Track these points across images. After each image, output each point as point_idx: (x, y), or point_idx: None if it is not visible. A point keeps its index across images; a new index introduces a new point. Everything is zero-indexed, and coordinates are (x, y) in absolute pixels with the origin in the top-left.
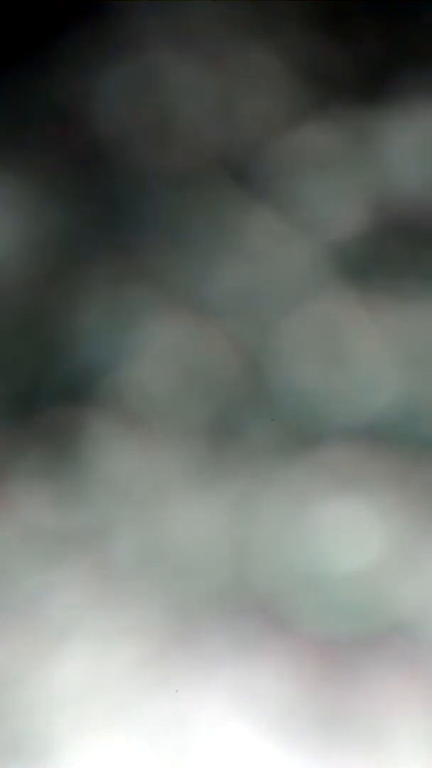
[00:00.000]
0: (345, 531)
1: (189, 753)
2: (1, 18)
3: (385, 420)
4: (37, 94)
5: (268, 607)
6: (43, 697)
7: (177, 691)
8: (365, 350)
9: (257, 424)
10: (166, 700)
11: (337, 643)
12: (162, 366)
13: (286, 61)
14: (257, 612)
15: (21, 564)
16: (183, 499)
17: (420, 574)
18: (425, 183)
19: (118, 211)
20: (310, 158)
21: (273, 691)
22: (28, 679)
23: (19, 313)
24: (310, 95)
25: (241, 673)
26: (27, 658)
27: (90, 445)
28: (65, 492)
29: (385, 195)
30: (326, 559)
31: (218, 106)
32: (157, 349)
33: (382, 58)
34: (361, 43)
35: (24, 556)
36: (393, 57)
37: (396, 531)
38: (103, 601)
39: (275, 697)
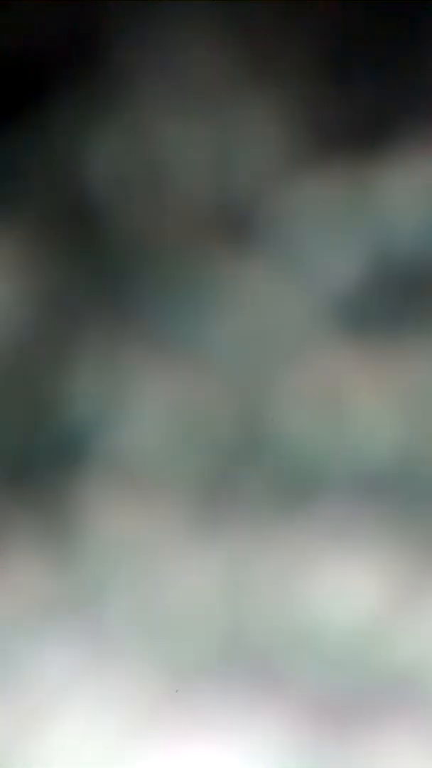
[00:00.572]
0: (341, 587)
1: None
2: None
3: (382, 472)
4: (31, 151)
5: (262, 664)
6: (36, 762)
7: (177, 691)
8: (363, 402)
9: (253, 478)
10: (160, 762)
11: (333, 700)
12: (156, 423)
13: (283, 114)
14: (252, 670)
15: (12, 629)
16: (177, 557)
17: (416, 629)
18: (423, 236)
19: (111, 267)
20: (307, 211)
21: (268, 750)
22: (20, 744)
23: (11, 372)
24: (308, 147)
25: (236, 733)
26: (20, 724)
27: (83, 506)
28: (58, 555)
29: (383, 247)
30: (322, 615)
31: (214, 159)
32: (151, 405)
33: (381, 112)
34: (359, 95)
35: (16, 621)
36: (392, 110)
37: (392, 586)
38: (96, 665)
39: (270, 756)
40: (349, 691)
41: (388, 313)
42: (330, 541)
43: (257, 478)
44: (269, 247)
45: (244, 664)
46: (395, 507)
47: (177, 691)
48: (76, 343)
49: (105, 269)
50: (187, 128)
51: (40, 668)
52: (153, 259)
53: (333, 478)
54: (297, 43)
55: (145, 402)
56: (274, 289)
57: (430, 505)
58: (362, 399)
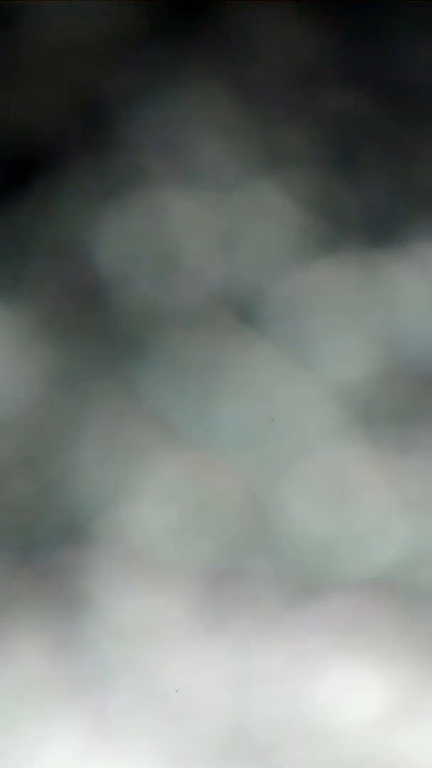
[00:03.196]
0: (347, 685)
1: None
2: (7, 150)
3: (390, 569)
4: (41, 228)
5: (266, 758)
6: None
7: (177, 690)
8: (371, 496)
9: (259, 567)
10: None
11: None
12: (163, 505)
13: (292, 199)
14: (255, 763)
15: (16, 712)
16: (182, 643)
17: (422, 730)
18: None
19: (119, 347)
20: (316, 298)
21: None
22: None
23: (18, 449)
24: (318, 234)
25: None
26: None
27: (89, 586)
28: (62, 636)
29: (394, 338)
30: (327, 712)
31: (223, 242)
32: (157, 487)
33: (391, 200)
34: (369, 183)
35: (19, 704)
36: (402, 199)
37: (399, 685)
38: (100, 746)
39: None
40: None
41: (398, 405)
42: (337, 638)
43: (264, 568)
44: (278, 332)
45: (246, 758)
46: (403, 606)
47: (177, 691)
48: (84, 422)
49: (113, 350)
50: (197, 210)
51: (44, 748)
52: (161, 340)
53: (341, 573)
54: (310, 130)
55: (151, 484)
56: (282, 375)
57: None
58: (371, 493)
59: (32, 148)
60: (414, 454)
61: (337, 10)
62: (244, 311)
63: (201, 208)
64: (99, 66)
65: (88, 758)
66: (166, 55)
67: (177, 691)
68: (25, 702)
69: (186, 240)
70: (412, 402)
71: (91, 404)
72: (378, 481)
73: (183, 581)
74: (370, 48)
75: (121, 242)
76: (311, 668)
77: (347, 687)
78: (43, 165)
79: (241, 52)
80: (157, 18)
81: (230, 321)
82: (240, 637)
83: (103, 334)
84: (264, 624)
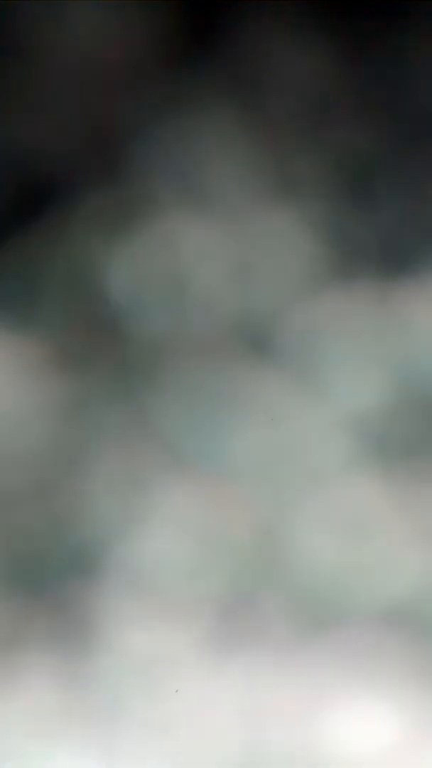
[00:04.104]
0: (357, 717)
1: None
2: (18, 178)
3: (402, 601)
4: (52, 257)
5: None
6: None
7: (177, 690)
8: (383, 527)
9: (270, 598)
10: None
11: None
12: (173, 535)
13: (305, 228)
14: None
15: (25, 743)
16: (193, 674)
17: None
18: None
19: (131, 376)
20: (329, 327)
21: None
22: None
23: (29, 480)
24: (330, 263)
25: None
26: None
27: (98, 617)
28: (72, 666)
29: (407, 369)
30: (337, 745)
31: (235, 271)
32: (168, 517)
33: (405, 229)
34: (383, 213)
35: (29, 735)
36: (415, 229)
37: (410, 718)
38: None
39: None
40: None
41: (411, 436)
42: (348, 670)
43: (275, 599)
44: (291, 361)
45: None
46: (415, 638)
47: (177, 690)
48: (95, 453)
49: (125, 379)
50: (209, 239)
51: None
52: (173, 369)
53: (352, 605)
54: (323, 159)
55: (162, 514)
56: (294, 406)
57: None
58: (383, 524)
59: (44, 177)
60: (427, 486)
61: (352, 40)
62: (256, 340)
63: (213, 237)
64: (111, 94)
65: None
66: (180, 83)
67: (177, 691)
68: (34, 733)
69: (198, 269)
70: (425, 433)
71: (103, 434)
72: (391, 513)
73: (193, 612)
74: (384, 78)
75: (133, 271)
76: (322, 701)
77: (358, 720)
78: (55, 194)
79: (255, 81)
80: (170, 46)
81: (243, 350)
82: (250, 668)
83: (114, 364)
84: (274, 656)
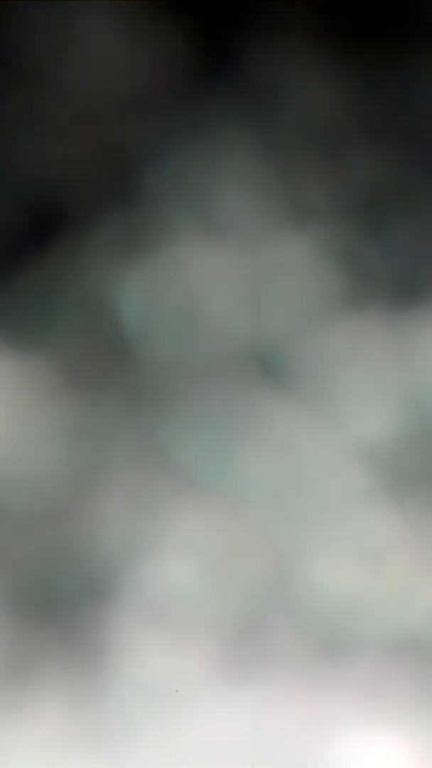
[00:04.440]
0: (367, 747)
1: None
2: (32, 204)
3: (414, 631)
4: (65, 282)
5: None
6: None
7: (177, 690)
8: (395, 556)
9: (281, 624)
10: None
11: None
12: (185, 560)
13: (318, 254)
14: None
15: (37, 763)
16: (204, 699)
17: None
18: None
19: (143, 401)
20: (341, 354)
21: None
22: None
23: (41, 503)
24: (343, 290)
25: None
26: None
27: (110, 641)
28: (85, 691)
29: (419, 397)
30: None
31: (248, 297)
32: (180, 542)
33: (417, 256)
34: (395, 239)
35: (42, 759)
36: (428, 255)
37: (420, 751)
38: None
39: None
40: None
41: (423, 465)
42: (360, 699)
43: (286, 626)
44: (303, 388)
45: None
46: (427, 669)
47: (176, 690)
48: (107, 477)
49: (137, 404)
50: (221, 264)
51: None
52: (185, 394)
53: (364, 634)
54: (336, 185)
55: (174, 539)
56: (306, 432)
57: None
58: (395, 553)
59: (57, 202)
60: None
61: (366, 68)
62: (268, 366)
63: (226, 262)
64: (125, 120)
65: None
66: (192, 108)
67: (177, 691)
68: (46, 757)
69: (210, 294)
70: None
71: (114, 459)
72: (402, 541)
73: (205, 637)
74: (398, 106)
75: (146, 296)
76: (332, 728)
77: (368, 750)
78: (69, 218)
79: (268, 106)
80: (183, 72)
81: (255, 376)
82: (261, 695)
83: (126, 389)
84: (285, 683)
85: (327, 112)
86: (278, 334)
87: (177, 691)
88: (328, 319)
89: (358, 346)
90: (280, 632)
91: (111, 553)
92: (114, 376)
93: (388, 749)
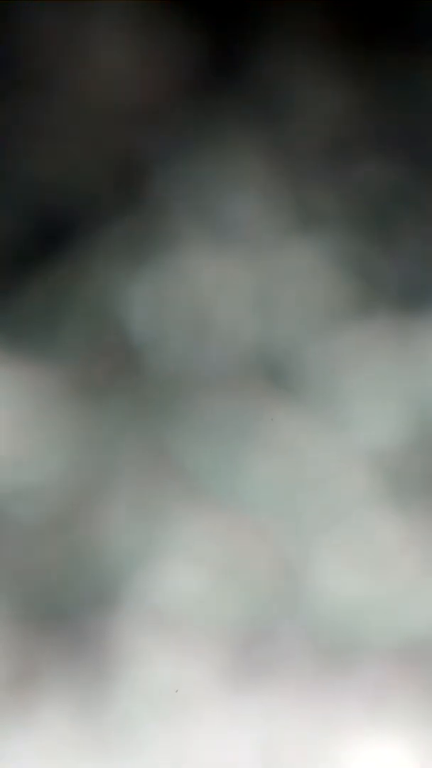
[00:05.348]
0: (374, 753)
1: None
2: (40, 211)
3: (421, 635)
4: (73, 289)
5: None
6: None
7: (177, 691)
8: (401, 562)
9: (288, 631)
10: None
11: None
12: (191, 567)
13: (325, 262)
14: None
15: None
16: (210, 707)
17: None
18: None
19: (150, 409)
20: (349, 361)
21: None
22: None
23: (46, 511)
24: (350, 298)
25: None
26: None
27: (117, 649)
28: (91, 699)
29: (426, 403)
30: None
31: (255, 304)
32: (186, 549)
33: (424, 264)
34: (402, 247)
35: (45, 763)
36: None
37: (429, 756)
38: None
39: None
40: None
41: (429, 470)
42: (366, 705)
43: (293, 632)
44: (310, 395)
45: None
46: None
47: (177, 691)
48: (113, 485)
49: (144, 412)
50: (229, 272)
51: None
52: (192, 402)
53: (371, 640)
54: (343, 193)
55: (181, 546)
56: (313, 438)
57: None
58: (401, 559)
59: (64, 209)
60: None
61: (375, 77)
62: (276, 373)
63: (234, 270)
64: (133, 128)
65: None
66: (201, 115)
67: (177, 691)
68: (53, 764)
69: (218, 302)
70: None
71: (121, 467)
72: (408, 547)
73: (211, 644)
74: (407, 114)
75: (153, 303)
76: (339, 734)
77: (375, 756)
78: (77, 226)
79: (277, 114)
80: (191, 79)
81: (262, 383)
82: (268, 701)
83: (134, 396)
84: (292, 689)
85: (336, 119)
86: (286, 341)
87: (177, 691)
88: (335, 327)
89: (365, 353)
90: (287, 639)
91: (117, 561)
92: (121, 383)
93: (395, 755)
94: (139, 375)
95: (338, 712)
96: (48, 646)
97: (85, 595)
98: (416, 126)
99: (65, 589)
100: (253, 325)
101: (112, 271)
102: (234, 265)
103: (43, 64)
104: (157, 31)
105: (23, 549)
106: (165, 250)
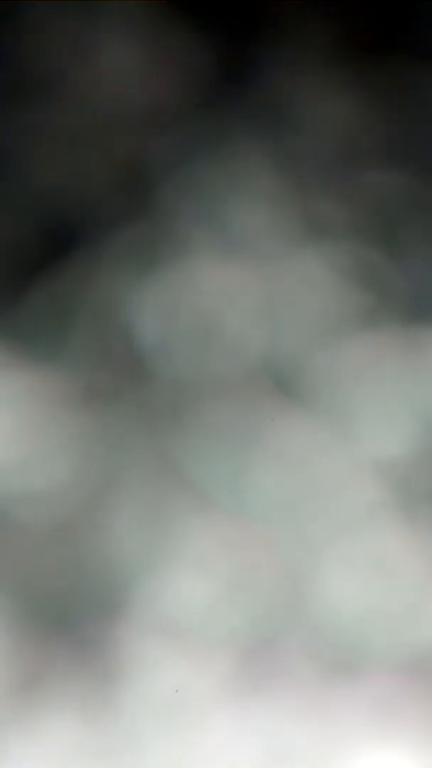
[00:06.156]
0: (379, 764)
1: None
2: (48, 218)
3: (427, 646)
4: (80, 296)
5: None
6: None
7: (177, 691)
8: (407, 573)
9: (293, 641)
10: None
11: None
12: (197, 575)
13: (333, 271)
14: None
15: None
16: (215, 718)
17: None
18: None
19: (157, 416)
20: (356, 371)
21: None
22: None
23: (53, 518)
24: (358, 306)
25: None
26: None
27: (122, 656)
28: (96, 706)
29: None
30: None
31: (263, 313)
32: (192, 557)
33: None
34: (410, 257)
35: None
36: None
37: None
38: None
39: None
40: None
41: None
42: (371, 716)
43: (298, 642)
44: (317, 404)
45: None
46: None
47: (177, 691)
48: (119, 492)
49: (150, 419)
50: (236, 280)
51: None
52: (199, 409)
53: (376, 651)
54: (351, 202)
55: (186, 554)
56: (320, 448)
57: None
58: (408, 570)
59: (72, 216)
60: None
61: (382, 85)
62: (283, 382)
63: (241, 278)
64: (141, 135)
65: None
66: (209, 123)
67: (177, 691)
68: None
69: (225, 310)
70: None
71: (127, 474)
72: (415, 557)
73: (216, 653)
74: (415, 123)
75: (161, 311)
76: (343, 747)
77: (379, 765)
78: (84, 233)
79: (284, 124)
80: (199, 87)
81: (269, 392)
82: (273, 711)
83: (140, 403)
84: (297, 699)
85: (344, 128)
86: (293, 350)
87: (177, 691)
88: (343, 336)
89: (372, 363)
90: (292, 649)
91: (123, 569)
92: (128, 390)
93: (399, 764)
94: (145, 382)
95: (343, 724)
96: (54, 653)
97: (91, 603)
98: (424, 136)
99: (71, 597)
100: (261, 333)
101: (120, 278)
102: (241, 273)
103: (51, 69)
104: (166, 37)
105: (30, 555)
106: (172, 257)
